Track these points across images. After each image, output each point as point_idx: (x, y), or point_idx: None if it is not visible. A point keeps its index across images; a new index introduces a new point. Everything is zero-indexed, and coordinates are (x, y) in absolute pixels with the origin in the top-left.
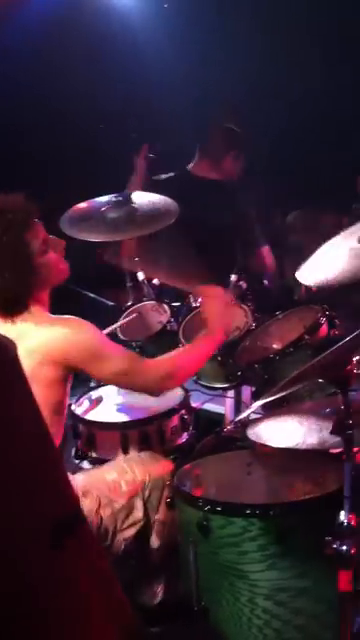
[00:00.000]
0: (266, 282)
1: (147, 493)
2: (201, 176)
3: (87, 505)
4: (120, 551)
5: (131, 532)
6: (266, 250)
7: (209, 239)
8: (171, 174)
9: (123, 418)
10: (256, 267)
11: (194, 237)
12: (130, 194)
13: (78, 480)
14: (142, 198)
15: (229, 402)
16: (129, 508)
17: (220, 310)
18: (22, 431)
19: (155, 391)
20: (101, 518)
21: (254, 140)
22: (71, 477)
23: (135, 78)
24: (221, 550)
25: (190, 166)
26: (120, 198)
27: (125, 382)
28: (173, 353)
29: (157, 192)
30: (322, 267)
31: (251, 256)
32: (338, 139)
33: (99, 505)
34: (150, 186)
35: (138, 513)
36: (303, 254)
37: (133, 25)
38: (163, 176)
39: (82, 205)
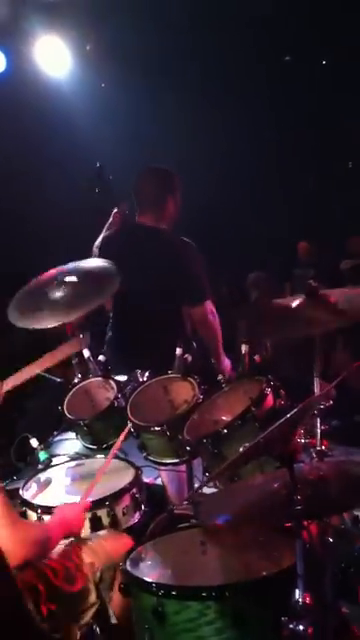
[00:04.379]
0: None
1: (98, 575)
2: (149, 225)
3: (33, 599)
4: (77, 638)
5: (86, 618)
6: (210, 305)
7: (157, 286)
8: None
9: (72, 501)
10: (198, 321)
11: (145, 284)
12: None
13: (21, 573)
14: (81, 270)
15: (170, 476)
16: (80, 593)
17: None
18: None
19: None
20: (49, 610)
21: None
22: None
23: (67, 155)
24: (178, 637)
25: (137, 218)
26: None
27: None
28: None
29: (111, 244)
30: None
31: (197, 307)
32: (275, 209)
33: (45, 596)
34: (104, 240)
35: (91, 597)
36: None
37: (70, 103)
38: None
39: (23, 292)
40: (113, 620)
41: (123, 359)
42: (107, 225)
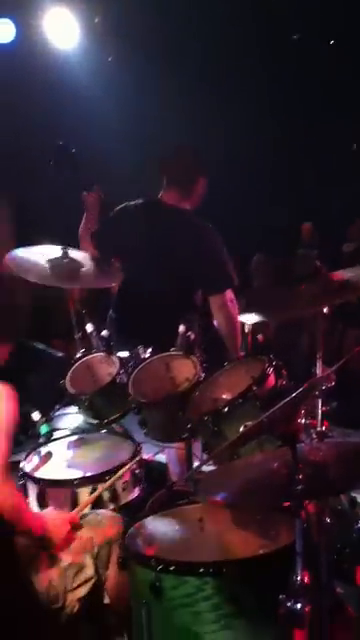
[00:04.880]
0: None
1: (96, 550)
2: (171, 204)
3: (34, 568)
4: (74, 612)
5: (83, 591)
6: (230, 293)
7: (173, 269)
8: (140, 200)
9: (74, 475)
10: (216, 310)
11: (158, 266)
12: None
13: (19, 541)
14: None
15: (171, 455)
16: (78, 566)
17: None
18: None
19: None
20: (49, 580)
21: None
22: None
23: (74, 126)
24: (175, 612)
25: (160, 195)
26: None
27: None
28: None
29: (125, 218)
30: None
31: (216, 295)
32: (279, 191)
33: (45, 564)
34: (117, 212)
35: (89, 570)
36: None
37: (77, 76)
38: (132, 202)
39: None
40: (106, 600)
41: (125, 338)
42: (86, 214)
